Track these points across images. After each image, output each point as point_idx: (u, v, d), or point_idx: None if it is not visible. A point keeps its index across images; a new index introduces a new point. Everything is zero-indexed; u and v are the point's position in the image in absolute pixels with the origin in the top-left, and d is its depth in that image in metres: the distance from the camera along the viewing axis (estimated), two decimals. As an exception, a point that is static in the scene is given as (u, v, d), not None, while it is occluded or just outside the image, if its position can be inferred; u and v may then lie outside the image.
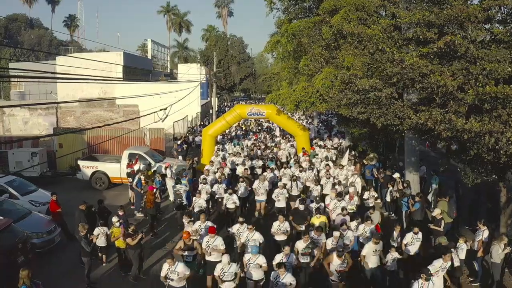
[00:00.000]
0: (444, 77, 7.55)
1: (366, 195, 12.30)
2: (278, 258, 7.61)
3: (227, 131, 24.05)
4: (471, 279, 9.25)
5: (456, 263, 8.28)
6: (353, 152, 18.24)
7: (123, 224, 9.63)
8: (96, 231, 9.56)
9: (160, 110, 11.52)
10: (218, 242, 8.25)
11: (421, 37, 8.46)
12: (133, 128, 21.23)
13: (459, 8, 8.02)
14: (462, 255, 8.76)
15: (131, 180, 14.28)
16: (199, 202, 11.47)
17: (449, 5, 8.51)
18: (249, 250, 7.86)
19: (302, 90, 14.53)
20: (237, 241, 9.21)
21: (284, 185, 12.61)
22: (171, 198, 14.37)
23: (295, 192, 12.62)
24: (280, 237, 9.29)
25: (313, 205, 10.88)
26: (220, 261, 7.52)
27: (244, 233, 8.75)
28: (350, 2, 12.04)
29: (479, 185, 10.27)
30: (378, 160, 16.26)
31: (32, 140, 18.93)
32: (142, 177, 13.61)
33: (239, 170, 14.71)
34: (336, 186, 12.56)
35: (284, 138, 22.57)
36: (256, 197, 12.74)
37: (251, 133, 26.12)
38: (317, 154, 17.40)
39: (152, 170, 15.03)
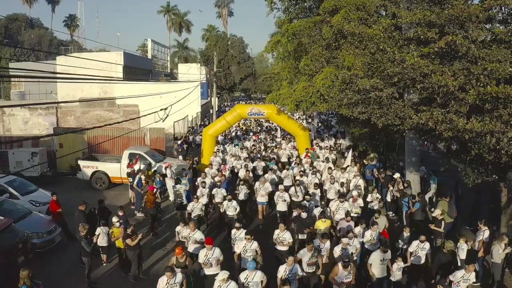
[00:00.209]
0: (445, 77, 7.53)
1: (370, 197, 11.97)
2: (282, 270, 7.17)
3: (227, 131, 24.04)
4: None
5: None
6: (353, 152, 18.20)
7: (123, 224, 9.62)
8: (98, 230, 9.56)
9: (161, 110, 11.50)
10: (218, 253, 7.90)
11: (422, 37, 8.44)
12: (134, 128, 21.24)
13: (460, 8, 8.00)
14: (463, 255, 8.75)
15: (131, 180, 14.27)
16: (198, 206, 11.14)
17: (450, 5, 8.50)
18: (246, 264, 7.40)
19: (302, 90, 14.51)
20: (234, 248, 8.83)
21: (286, 188, 12.24)
22: (171, 198, 14.38)
23: (300, 197, 11.95)
24: (281, 247, 8.90)
25: (317, 210, 10.48)
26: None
27: (242, 243, 8.25)
28: (351, 2, 12.04)
29: (479, 185, 10.27)
30: (379, 160, 16.25)
31: (32, 140, 18.93)
32: (143, 177, 13.61)
33: (241, 173, 14.29)
34: (339, 187, 12.41)
35: (285, 138, 22.46)
36: (257, 199, 12.41)
37: (251, 133, 26.07)
38: (318, 157, 17.18)
39: (153, 170, 15.04)
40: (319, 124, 31.44)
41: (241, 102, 57.48)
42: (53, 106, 30.84)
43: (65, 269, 9.78)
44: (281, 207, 11.63)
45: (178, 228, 9.51)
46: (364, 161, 16.28)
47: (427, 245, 8.50)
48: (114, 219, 9.71)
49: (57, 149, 18.58)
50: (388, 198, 12.91)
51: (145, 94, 19.23)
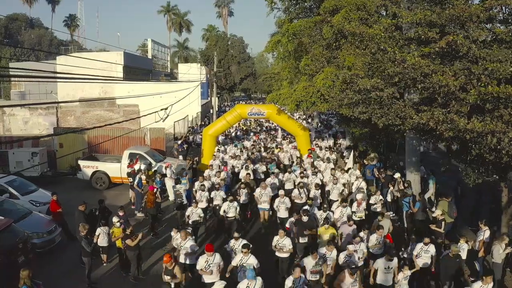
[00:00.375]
0: (446, 77, 7.52)
1: (373, 199, 11.72)
2: (290, 283, 6.85)
3: (227, 131, 24.02)
4: (472, 279, 9.20)
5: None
6: (354, 153, 18.18)
7: (124, 224, 9.61)
8: (98, 231, 9.56)
9: (161, 110, 11.49)
10: (218, 259, 7.70)
11: (422, 37, 8.43)
12: (134, 128, 21.24)
13: (460, 8, 7.99)
14: (463, 255, 8.76)
15: (131, 180, 14.27)
16: (197, 212, 10.75)
17: (451, 5, 8.49)
18: (245, 274, 7.11)
19: (303, 90, 14.50)
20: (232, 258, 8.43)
21: (287, 193, 12.02)
22: (170, 198, 14.39)
23: (303, 199, 11.65)
24: (281, 254, 8.69)
25: (319, 214, 10.21)
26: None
27: (239, 256, 7.79)
28: (351, 1, 12.01)
29: (480, 185, 10.26)
30: (379, 160, 16.24)
31: (32, 140, 18.92)
32: (143, 177, 13.61)
33: (242, 175, 14.04)
34: (342, 188, 12.25)
35: (285, 138, 22.29)
36: (259, 205, 11.94)
37: (252, 134, 26.02)
38: (318, 157, 17.10)
39: (153, 170, 15.04)
40: (319, 124, 31.42)
41: (241, 102, 57.49)
42: (53, 106, 30.83)
43: (65, 269, 9.78)
44: (282, 213, 11.24)
45: (173, 233, 9.36)
46: (365, 161, 16.27)
47: (431, 247, 8.32)
48: (115, 219, 9.70)
49: (57, 149, 18.58)
50: (389, 198, 12.90)
51: (145, 94, 19.22)
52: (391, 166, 15.65)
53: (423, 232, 9.71)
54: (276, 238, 8.70)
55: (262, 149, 19.75)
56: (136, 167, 14.86)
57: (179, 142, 21.25)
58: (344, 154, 18.23)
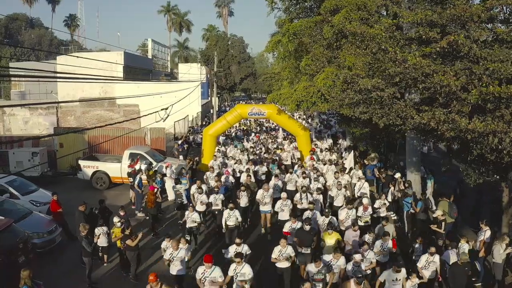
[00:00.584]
0: (447, 77, 7.51)
1: (377, 203, 11.25)
2: None
3: (227, 131, 23.99)
4: (473, 279, 9.20)
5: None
6: (354, 153, 18.14)
7: (124, 224, 9.60)
8: (97, 231, 9.55)
9: (162, 109, 11.47)
10: (217, 273, 7.12)
11: (423, 36, 8.43)
12: (134, 128, 21.24)
13: (461, 8, 7.98)
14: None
15: (131, 180, 14.26)
16: (193, 217, 10.24)
17: (452, 5, 8.48)
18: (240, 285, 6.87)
19: (303, 90, 14.49)
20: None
21: (290, 193, 11.76)
22: (170, 197, 14.39)
23: (304, 204, 11.20)
24: (282, 264, 8.17)
25: (322, 220, 9.80)
26: None
27: (232, 265, 7.35)
28: (352, 1, 12.00)
29: (481, 185, 10.26)
30: (379, 160, 16.22)
31: (32, 140, 18.92)
32: (143, 177, 13.60)
33: (243, 178, 13.65)
34: (347, 194, 12.07)
35: (286, 139, 22.15)
36: (261, 208, 11.54)
37: (253, 134, 25.92)
38: (319, 158, 16.93)
39: (153, 170, 15.03)
40: (319, 124, 31.38)
41: (241, 102, 57.47)
42: (54, 106, 30.83)
43: (66, 269, 9.78)
44: (284, 215, 10.71)
45: (164, 244, 8.74)
46: (365, 161, 16.25)
47: (436, 257, 8.10)
48: (116, 219, 9.68)
49: (58, 149, 18.57)
50: (389, 198, 12.88)
51: (145, 94, 19.21)
52: (392, 166, 15.64)
53: (425, 233, 9.71)
54: (277, 248, 8.16)
55: (263, 150, 19.60)
56: (137, 167, 14.86)
57: (180, 142, 21.24)
58: (343, 155, 18.16)
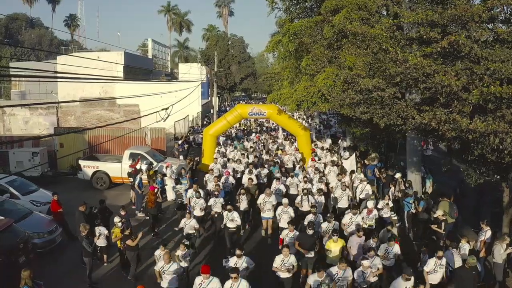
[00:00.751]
0: (448, 77, 7.50)
1: (380, 204, 11.08)
2: None
3: (227, 131, 23.97)
4: (479, 284, 9.18)
5: (458, 264, 8.24)
6: (355, 152, 18.11)
7: (125, 224, 9.60)
8: (97, 231, 9.54)
9: (162, 109, 11.46)
10: (215, 284, 6.78)
11: (424, 36, 8.42)
12: (134, 127, 21.23)
13: (462, 8, 7.97)
14: (465, 256, 8.72)
15: (132, 180, 14.26)
16: (190, 223, 9.86)
17: (453, 5, 8.48)
18: None
19: (303, 90, 14.48)
20: None
21: (292, 198, 11.57)
22: (169, 197, 14.38)
23: (305, 207, 10.97)
24: (284, 274, 7.81)
25: (325, 225, 9.53)
26: None
27: (228, 282, 6.85)
28: (352, 1, 11.99)
29: (482, 185, 10.24)
30: (380, 160, 16.21)
31: (33, 140, 18.91)
32: (143, 177, 13.59)
33: (244, 179, 13.31)
34: (351, 195, 11.92)
35: (287, 139, 22.00)
36: (262, 214, 11.23)
37: (253, 134, 25.84)
38: (319, 158, 16.82)
39: (154, 170, 15.02)
40: (318, 124, 31.37)
41: (241, 102, 57.49)
42: (54, 106, 30.84)
43: (66, 269, 9.78)
44: (284, 224, 10.25)
45: (157, 252, 8.36)
46: (365, 161, 16.24)
47: (444, 261, 7.95)
48: (116, 219, 9.66)
49: (58, 149, 18.57)
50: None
51: (145, 94, 19.19)
52: (392, 166, 15.63)
53: (426, 233, 9.69)
54: (279, 257, 7.82)
55: (264, 151, 19.49)
56: (137, 167, 14.85)
57: (180, 142, 21.23)
58: (342, 155, 18.10)
